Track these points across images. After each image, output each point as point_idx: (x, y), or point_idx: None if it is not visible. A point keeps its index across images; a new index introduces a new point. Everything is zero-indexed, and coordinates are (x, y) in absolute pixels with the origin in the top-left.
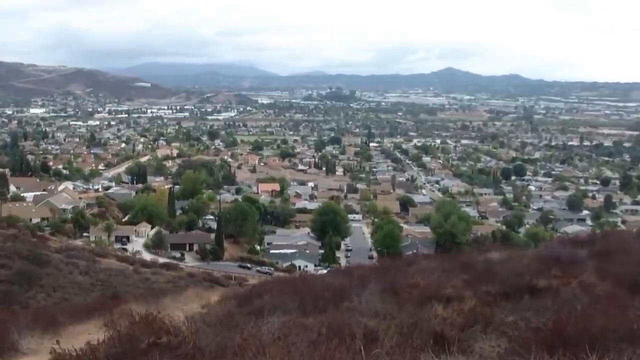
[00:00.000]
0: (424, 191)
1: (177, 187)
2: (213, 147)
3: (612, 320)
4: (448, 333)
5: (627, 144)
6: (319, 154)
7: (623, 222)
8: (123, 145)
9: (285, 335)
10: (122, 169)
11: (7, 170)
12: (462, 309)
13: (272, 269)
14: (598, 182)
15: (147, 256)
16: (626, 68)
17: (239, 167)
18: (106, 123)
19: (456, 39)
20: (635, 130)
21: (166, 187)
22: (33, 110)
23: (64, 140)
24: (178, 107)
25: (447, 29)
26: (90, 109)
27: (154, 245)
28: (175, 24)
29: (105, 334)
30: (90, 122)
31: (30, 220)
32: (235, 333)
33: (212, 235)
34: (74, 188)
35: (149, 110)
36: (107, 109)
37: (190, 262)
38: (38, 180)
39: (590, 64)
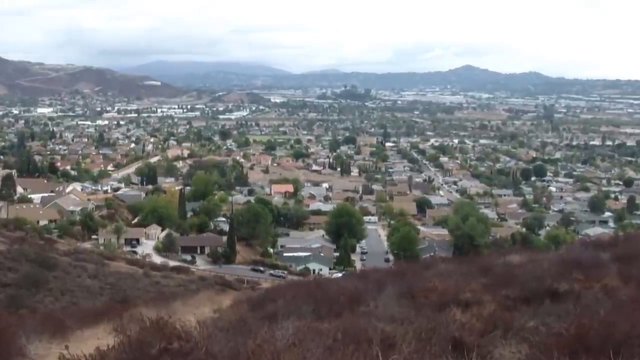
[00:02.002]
0: (441, 192)
1: (188, 188)
2: (225, 147)
3: (636, 325)
4: (467, 339)
5: None
6: (334, 154)
7: None
8: (132, 145)
9: (300, 340)
10: (131, 169)
11: (14, 171)
12: (481, 313)
13: (285, 272)
14: (621, 183)
15: (157, 259)
16: None
17: (251, 168)
18: (115, 123)
19: (474, 36)
20: None
21: (177, 188)
22: (40, 110)
23: (72, 140)
24: (189, 106)
25: (465, 26)
26: (98, 109)
27: (165, 248)
28: (186, 21)
29: (115, 339)
30: (99, 122)
31: (38, 222)
32: (248, 338)
33: (224, 238)
34: (82, 189)
35: (158, 110)
36: (116, 108)
37: (201, 265)
38: (46, 181)
39: (613, 61)
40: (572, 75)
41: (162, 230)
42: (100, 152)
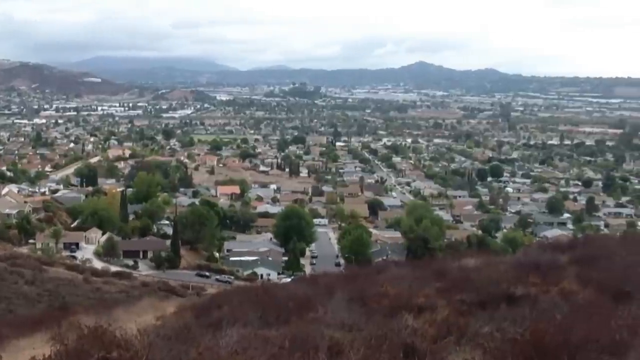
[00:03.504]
0: (394, 193)
1: (130, 190)
2: (168, 147)
3: (593, 330)
4: (419, 345)
5: (610, 143)
6: (282, 154)
7: (606, 225)
8: (72, 145)
9: (244, 348)
10: (70, 170)
11: None
12: (434, 319)
13: (232, 277)
14: (579, 184)
15: (97, 264)
16: (609, 62)
17: (196, 169)
18: (53, 121)
19: (428, 31)
20: (619, 128)
21: (118, 190)
22: None
23: (8, 140)
24: (131, 104)
25: (418, 20)
26: (36, 106)
27: (105, 252)
28: (127, 15)
29: (52, 348)
30: (36, 121)
31: None
32: (191, 347)
33: (168, 242)
34: (18, 191)
35: (99, 108)
36: (54, 106)
37: (144, 270)
38: None
39: (571, 58)
40: (530, 72)
41: (103, 234)
42: (37, 152)
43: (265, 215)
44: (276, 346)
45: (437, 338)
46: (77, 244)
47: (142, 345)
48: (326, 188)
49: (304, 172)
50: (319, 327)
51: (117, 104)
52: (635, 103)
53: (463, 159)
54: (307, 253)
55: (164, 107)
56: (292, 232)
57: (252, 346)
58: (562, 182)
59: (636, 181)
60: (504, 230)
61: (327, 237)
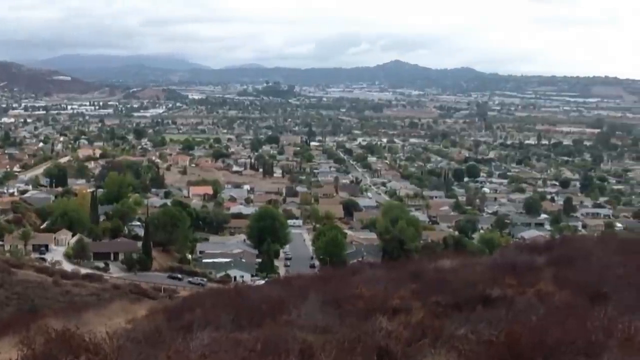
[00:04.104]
0: (369, 194)
1: (101, 190)
2: (139, 146)
3: (569, 332)
4: (393, 348)
5: (587, 143)
6: (256, 154)
7: (584, 226)
8: (41, 144)
9: (215, 352)
10: (39, 171)
11: None
12: (409, 321)
13: (204, 279)
14: (557, 184)
15: (67, 267)
16: (586, 61)
17: (168, 169)
18: (22, 120)
19: (403, 29)
20: (596, 127)
21: (88, 190)
22: None
23: None
24: (101, 103)
25: (394, 18)
26: (4, 105)
27: (76, 254)
28: (96, 13)
29: (19, 352)
30: (4, 120)
31: None
32: (161, 350)
33: (139, 243)
34: None
35: (69, 107)
36: (22, 104)
37: (115, 272)
38: None
39: (549, 57)
40: (506, 71)
41: (73, 236)
42: (5, 152)
43: (239, 216)
44: (247, 349)
45: (412, 340)
46: (46, 246)
47: (112, 349)
48: (300, 188)
49: (277, 173)
50: (291, 330)
51: (88, 103)
52: (612, 102)
53: (439, 159)
54: (281, 254)
55: (135, 106)
56: (266, 233)
57: (222, 349)
58: (540, 182)
59: (614, 181)
60: (481, 231)
61: (301, 238)
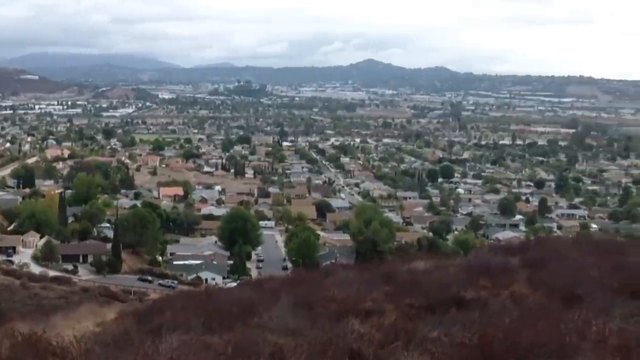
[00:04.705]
0: (342, 195)
1: (69, 191)
2: (109, 147)
3: (542, 334)
4: (365, 350)
5: (562, 143)
6: (227, 154)
7: (559, 227)
8: (8, 145)
9: (184, 355)
10: (7, 171)
11: None
12: (381, 324)
13: (175, 282)
14: (532, 184)
15: (35, 269)
16: (561, 61)
17: (137, 169)
18: None
19: (377, 28)
20: (571, 127)
21: (57, 191)
22: None
23: None
24: (69, 103)
25: (367, 17)
26: None
27: (44, 256)
28: (65, 10)
29: None
30: None
31: None
32: (129, 354)
33: (109, 245)
34: None
35: (36, 106)
36: None
37: (84, 275)
38: None
39: (523, 56)
40: (481, 70)
41: (41, 238)
42: None
43: (210, 217)
44: (217, 353)
45: (384, 343)
46: (13, 248)
47: (79, 353)
48: (272, 189)
49: (249, 173)
50: (262, 333)
51: (56, 103)
52: (587, 102)
53: (413, 159)
54: (253, 256)
55: (104, 105)
56: (238, 234)
57: (192, 353)
58: (514, 182)
59: (589, 182)
60: (455, 232)
61: (273, 239)
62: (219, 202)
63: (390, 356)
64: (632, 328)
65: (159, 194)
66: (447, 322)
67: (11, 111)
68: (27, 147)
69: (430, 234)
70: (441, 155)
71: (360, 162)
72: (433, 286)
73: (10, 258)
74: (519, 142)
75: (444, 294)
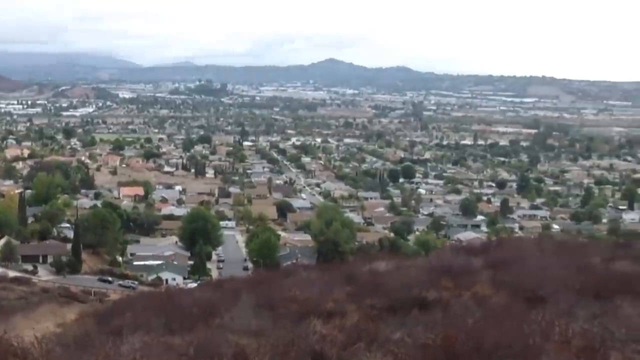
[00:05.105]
0: (303, 195)
1: (29, 191)
2: (69, 146)
3: (506, 335)
4: (328, 351)
5: (524, 143)
6: (187, 154)
7: (520, 228)
8: None
9: (147, 356)
10: None
11: None
12: (344, 324)
13: (135, 282)
14: (493, 185)
15: None
16: (524, 61)
17: (98, 169)
18: None
19: (338, 27)
20: (533, 128)
21: (16, 191)
22: None
23: None
24: (29, 102)
25: (328, 16)
26: None
27: (3, 257)
28: (25, 7)
29: None
30: None
31: None
32: (91, 355)
33: (69, 246)
34: None
35: None
36: None
37: (44, 275)
38: None
39: (485, 56)
40: (443, 70)
41: (0, 238)
42: None
43: (170, 217)
44: (179, 354)
45: (347, 344)
46: None
47: (40, 354)
48: (233, 189)
49: (210, 173)
50: (224, 334)
51: (15, 102)
52: (549, 102)
53: (374, 159)
54: (214, 257)
55: (65, 105)
56: (198, 235)
57: (153, 354)
58: (476, 183)
59: (551, 182)
60: (416, 233)
61: (234, 240)
62: (180, 202)
63: (353, 357)
64: (596, 329)
65: (119, 194)
66: (410, 323)
67: None
68: None
69: (392, 234)
70: (402, 156)
71: (321, 162)
72: (395, 287)
73: None
74: (480, 142)
75: (406, 294)
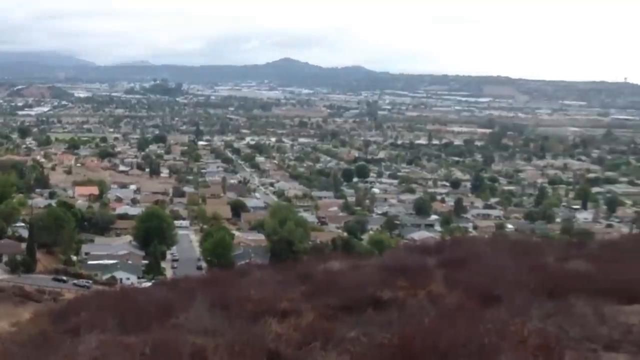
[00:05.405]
0: (257, 194)
1: None
2: (24, 146)
3: (462, 335)
4: (284, 351)
5: (478, 143)
6: (142, 153)
7: (474, 227)
8: None
9: (105, 355)
10: None
11: None
12: (299, 324)
13: (90, 281)
14: (448, 184)
15: None
16: (479, 61)
17: (53, 169)
18: None
19: (294, 26)
20: (488, 127)
21: None
22: None
23: None
24: None
25: (284, 15)
26: None
27: None
28: None
29: None
30: None
31: None
32: (49, 354)
33: (23, 245)
34: None
35: None
36: None
37: None
38: None
39: (440, 55)
40: (398, 69)
41: None
42: None
43: (125, 216)
44: (138, 353)
45: (302, 343)
46: None
47: None
48: (188, 189)
49: (164, 172)
50: (180, 333)
51: None
52: (504, 102)
53: (328, 158)
54: (168, 256)
55: (20, 104)
56: (153, 234)
57: (112, 353)
58: (430, 182)
59: (505, 182)
60: (370, 232)
61: (188, 239)
62: (134, 202)
63: (309, 356)
64: (551, 328)
65: (74, 193)
66: (365, 323)
67: None
68: None
69: (345, 233)
70: (357, 155)
71: (275, 161)
72: (349, 286)
73: None
74: (435, 141)
75: (361, 294)
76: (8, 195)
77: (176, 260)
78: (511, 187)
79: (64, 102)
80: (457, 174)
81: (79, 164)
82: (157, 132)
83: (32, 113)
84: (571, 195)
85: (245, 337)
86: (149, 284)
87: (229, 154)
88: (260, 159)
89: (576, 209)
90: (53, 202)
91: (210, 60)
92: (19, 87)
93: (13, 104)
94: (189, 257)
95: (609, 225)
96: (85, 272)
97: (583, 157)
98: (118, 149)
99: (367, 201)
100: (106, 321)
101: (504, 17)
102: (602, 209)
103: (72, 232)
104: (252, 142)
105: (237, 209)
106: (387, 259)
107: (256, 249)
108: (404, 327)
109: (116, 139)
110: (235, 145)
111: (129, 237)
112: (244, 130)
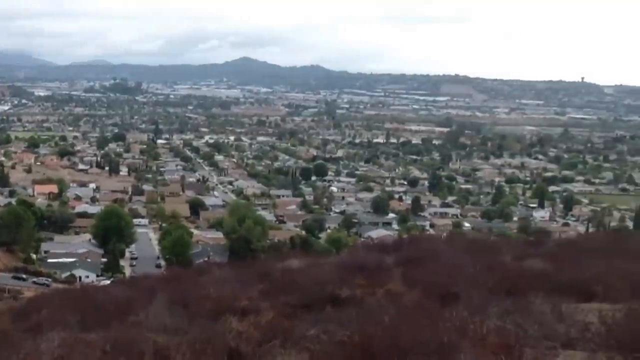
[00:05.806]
0: (216, 193)
1: None
2: None
3: (421, 333)
4: (244, 349)
5: (436, 142)
6: (102, 152)
7: (432, 225)
8: None
9: (68, 353)
10: None
11: None
12: (259, 322)
13: (49, 280)
14: (405, 183)
15: None
16: (437, 60)
17: (12, 167)
18: None
19: (252, 26)
20: (445, 126)
21: None
22: None
23: None
24: None
25: (243, 15)
26: None
27: None
28: None
29: None
30: None
31: None
32: (11, 353)
33: None
34: None
35: None
36: None
37: None
38: None
39: (398, 55)
40: (356, 69)
41: None
42: None
43: (84, 215)
44: (100, 351)
45: (262, 341)
46: None
47: None
48: (147, 187)
49: (124, 171)
50: (141, 331)
51: None
52: (462, 101)
53: (287, 157)
54: (127, 254)
55: None
56: (112, 232)
57: (74, 351)
58: (388, 181)
59: (462, 180)
60: (328, 231)
61: (147, 237)
62: (94, 200)
63: (269, 354)
64: (509, 326)
65: (33, 191)
66: (324, 320)
67: None
68: None
69: (303, 232)
70: (315, 154)
71: (234, 160)
72: (308, 284)
73: None
74: (393, 140)
75: (320, 292)
76: None
77: (135, 259)
78: (468, 186)
79: (23, 101)
80: (415, 172)
81: (38, 163)
82: (116, 130)
83: None
84: (528, 194)
85: (206, 335)
86: (108, 282)
87: (188, 153)
88: (219, 157)
89: (533, 208)
90: (13, 201)
91: (170, 60)
92: None
93: None
94: (147, 255)
95: (566, 224)
96: (44, 271)
97: (540, 156)
98: (77, 147)
99: (325, 200)
100: (67, 319)
101: (462, 17)
102: (558, 208)
103: (32, 231)
104: (211, 141)
105: (196, 207)
106: (345, 258)
107: (215, 247)
108: (363, 325)
109: (75, 137)
110: (194, 143)
111: (88, 236)
112: (203, 129)
